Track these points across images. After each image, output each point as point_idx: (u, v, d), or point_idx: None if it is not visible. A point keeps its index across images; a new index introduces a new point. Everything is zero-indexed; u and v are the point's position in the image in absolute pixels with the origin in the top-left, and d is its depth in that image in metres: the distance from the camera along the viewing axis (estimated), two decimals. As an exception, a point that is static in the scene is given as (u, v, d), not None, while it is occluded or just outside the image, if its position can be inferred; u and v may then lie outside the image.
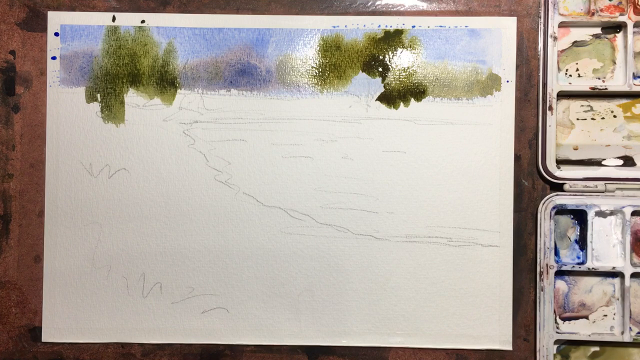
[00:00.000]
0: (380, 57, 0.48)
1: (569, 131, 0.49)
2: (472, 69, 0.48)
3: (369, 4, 0.49)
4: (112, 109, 0.49)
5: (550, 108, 0.47)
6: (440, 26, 0.48)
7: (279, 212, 0.49)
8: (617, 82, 0.48)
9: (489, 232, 0.48)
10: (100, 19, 0.49)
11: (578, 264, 0.47)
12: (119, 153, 0.49)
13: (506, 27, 0.48)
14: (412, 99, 0.48)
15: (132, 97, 0.49)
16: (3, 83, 0.49)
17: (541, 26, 0.48)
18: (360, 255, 0.48)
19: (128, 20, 0.49)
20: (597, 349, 0.48)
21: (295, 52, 0.49)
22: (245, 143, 0.49)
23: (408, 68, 0.48)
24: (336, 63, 0.49)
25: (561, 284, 0.48)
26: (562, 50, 0.49)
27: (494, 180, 0.48)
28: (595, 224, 0.48)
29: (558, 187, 0.48)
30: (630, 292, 0.47)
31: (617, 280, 0.48)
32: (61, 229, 0.49)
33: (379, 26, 0.48)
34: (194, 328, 0.49)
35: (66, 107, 0.49)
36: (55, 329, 0.49)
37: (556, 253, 0.48)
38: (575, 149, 0.49)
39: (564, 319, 0.48)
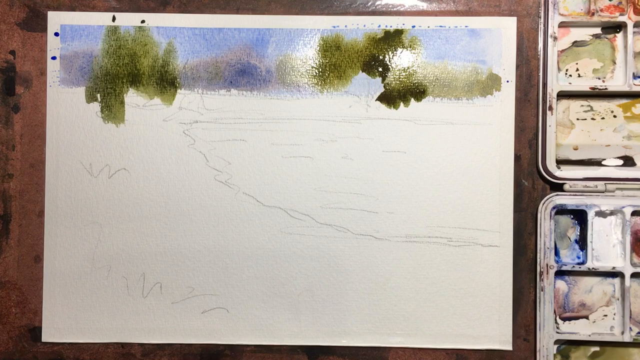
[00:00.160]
0: (380, 57, 0.48)
1: (569, 131, 0.49)
2: (472, 69, 0.48)
3: (369, 4, 0.49)
4: (112, 109, 0.49)
5: (550, 108, 0.47)
6: (440, 26, 0.48)
7: (279, 212, 0.49)
8: (617, 82, 0.48)
9: (489, 232, 0.48)
10: (100, 19, 0.49)
11: (578, 264, 0.47)
12: (119, 153, 0.49)
13: (506, 27, 0.48)
14: (412, 99, 0.48)
15: (132, 97, 0.49)
16: (3, 83, 0.49)
17: (541, 26, 0.48)
18: (360, 255, 0.48)
19: (128, 20, 0.49)
20: (597, 349, 0.48)
21: (295, 52, 0.49)
22: (245, 143, 0.49)
23: (408, 68, 0.48)
24: (336, 63, 0.49)
25: (561, 284, 0.48)
26: (562, 50, 0.49)
27: (494, 180, 0.48)
28: (595, 224, 0.48)
29: (558, 187, 0.48)
30: (630, 292, 0.47)
31: (617, 280, 0.48)
32: (61, 229, 0.49)
33: (379, 26, 0.48)
34: (194, 328, 0.49)
35: (66, 107, 0.49)
36: (55, 329, 0.49)
37: (556, 253, 0.48)
38: (575, 149, 0.49)
39: (564, 319, 0.48)
